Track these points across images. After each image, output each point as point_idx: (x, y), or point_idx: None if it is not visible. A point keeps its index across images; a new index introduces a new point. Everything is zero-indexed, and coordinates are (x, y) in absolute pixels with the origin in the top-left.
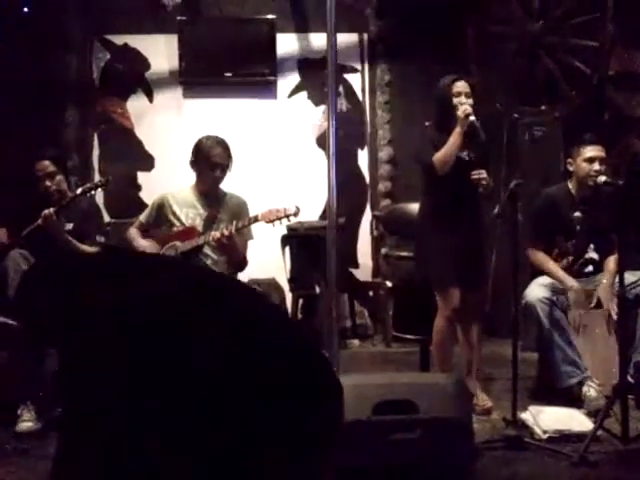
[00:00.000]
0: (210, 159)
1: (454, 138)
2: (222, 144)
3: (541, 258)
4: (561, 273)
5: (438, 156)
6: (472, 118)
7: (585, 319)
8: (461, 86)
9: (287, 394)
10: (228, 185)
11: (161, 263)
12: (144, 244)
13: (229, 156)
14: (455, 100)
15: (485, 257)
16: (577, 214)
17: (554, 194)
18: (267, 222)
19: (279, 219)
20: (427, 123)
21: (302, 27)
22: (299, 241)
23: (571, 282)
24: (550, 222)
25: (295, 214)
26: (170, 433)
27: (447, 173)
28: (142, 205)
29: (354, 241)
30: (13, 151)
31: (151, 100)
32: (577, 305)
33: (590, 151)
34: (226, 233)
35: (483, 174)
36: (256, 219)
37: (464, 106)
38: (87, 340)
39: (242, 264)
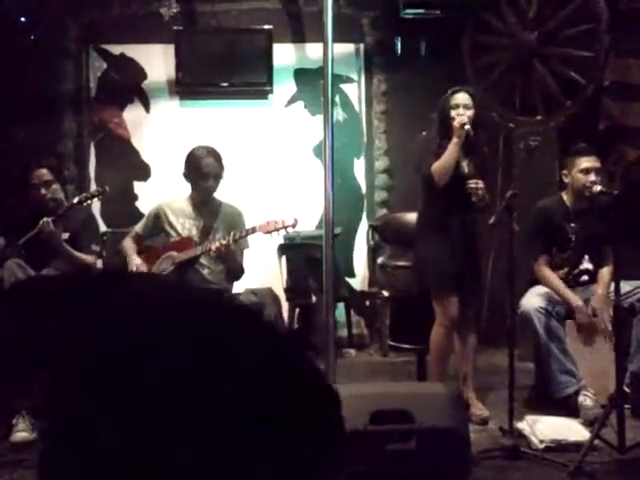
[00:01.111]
0: (202, 169)
1: (451, 148)
2: (213, 153)
3: (548, 275)
4: (567, 292)
5: (436, 166)
6: (467, 127)
7: (581, 328)
8: (460, 98)
9: (284, 428)
10: (224, 194)
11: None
12: (137, 262)
13: (221, 165)
14: (453, 112)
15: (481, 267)
16: (572, 225)
17: (548, 206)
18: (265, 233)
19: (277, 230)
20: (424, 133)
21: (299, 37)
22: (296, 250)
23: (577, 302)
24: (546, 234)
25: (293, 225)
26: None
27: (446, 184)
28: (138, 214)
29: (350, 250)
30: (10, 160)
31: (148, 110)
32: (582, 324)
33: (585, 162)
34: (224, 243)
35: (480, 184)
36: (254, 230)
37: (460, 117)
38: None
39: (239, 273)
